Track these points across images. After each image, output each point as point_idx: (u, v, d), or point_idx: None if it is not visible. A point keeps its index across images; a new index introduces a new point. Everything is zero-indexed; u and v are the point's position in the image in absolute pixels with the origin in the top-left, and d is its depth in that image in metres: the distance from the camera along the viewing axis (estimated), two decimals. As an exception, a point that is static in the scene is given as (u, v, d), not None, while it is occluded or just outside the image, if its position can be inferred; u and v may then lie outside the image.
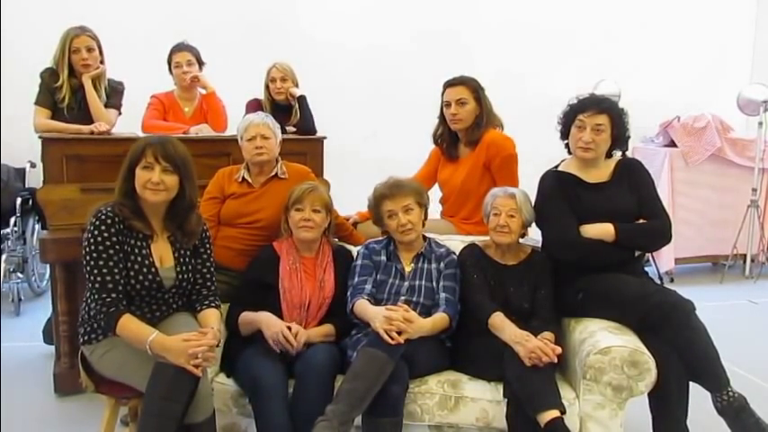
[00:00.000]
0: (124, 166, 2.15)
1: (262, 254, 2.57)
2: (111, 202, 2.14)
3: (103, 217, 2.10)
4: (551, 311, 2.45)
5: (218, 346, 2.14)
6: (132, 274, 2.13)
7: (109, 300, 2.06)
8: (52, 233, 2.93)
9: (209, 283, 2.32)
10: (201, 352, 2.00)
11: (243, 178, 2.77)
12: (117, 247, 2.10)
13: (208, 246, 2.33)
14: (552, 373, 2.23)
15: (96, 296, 2.07)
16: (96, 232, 2.08)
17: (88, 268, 2.08)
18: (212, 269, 2.33)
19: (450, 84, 3.04)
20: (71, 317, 2.96)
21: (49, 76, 3.31)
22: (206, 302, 2.29)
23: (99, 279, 2.06)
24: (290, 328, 2.31)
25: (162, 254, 2.21)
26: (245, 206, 2.73)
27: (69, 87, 3.30)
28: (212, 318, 2.25)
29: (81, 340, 2.21)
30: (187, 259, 2.26)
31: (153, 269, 2.16)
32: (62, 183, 3.04)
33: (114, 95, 3.46)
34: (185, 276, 2.24)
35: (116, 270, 2.08)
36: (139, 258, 2.15)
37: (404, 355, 2.20)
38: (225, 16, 5.01)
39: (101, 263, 2.07)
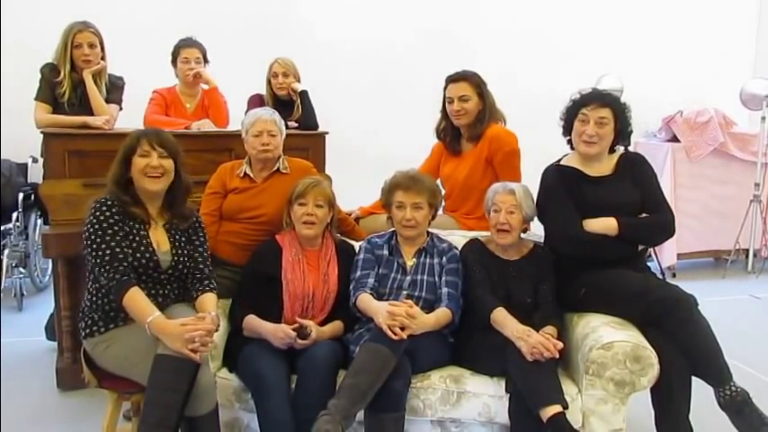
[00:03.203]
0: (118, 158, 2.25)
1: (264, 246, 2.57)
2: (106, 195, 2.22)
3: (104, 201, 2.19)
4: (554, 305, 2.45)
5: (216, 330, 2.16)
6: (131, 251, 2.17)
7: (121, 268, 2.11)
8: (54, 228, 2.94)
9: (201, 266, 2.34)
10: (199, 337, 2.02)
11: (245, 173, 2.77)
12: (120, 225, 2.17)
13: (201, 234, 2.39)
14: (554, 369, 2.23)
15: (108, 267, 2.11)
16: (98, 213, 2.15)
17: (94, 246, 2.12)
18: (206, 254, 2.37)
19: (452, 79, 3.03)
20: (73, 312, 2.96)
21: (50, 72, 3.30)
22: (201, 287, 2.31)
23: (108, 252, 2.12)
24: (303, 326, 2.31)
25: (158, 239, 2.26)
26: (246, 201, 2.73)
27: (70, 82, 3.29)
28: (209, 303, 2.27)
29: (82, 334, 2.22)
30: (182, 245, 2.31)
31: (151, 248, 2.22)
32: (64, 178, 3.03)
33: (114, 91, 3.45)
34: (181, 260, 2.28)
35: (123, 244, 2.16)
36: (138, 238, 2.21)
37: (406, 350, 2.20)
38: (227, 11, 5.01)
39: (107, 238, 2.13)
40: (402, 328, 2.18)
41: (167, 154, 2.23)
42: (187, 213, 2.35)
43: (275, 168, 2.77)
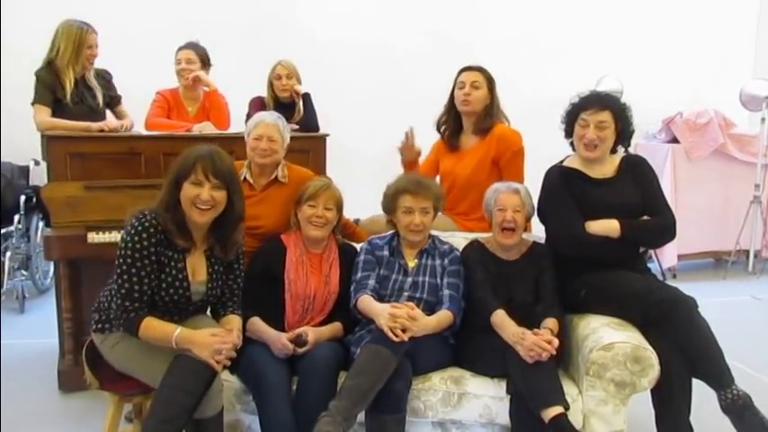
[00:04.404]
0: (170, 179, 2.11)
1: (269, 245, 2.57)
2: (155, 210, 2.10)
3: (147, 224, 2.06)
4: (554, 296, 2.46)
5: (237, 346, 2.16)
6: (164, 285, 2.12)
7: (131, 308, 2.06)
8: (56, 231, 2.94)
9: (235, 298, 2.32)
10: (226, 350, 2.04)
11: (244, 178, 2.70)
12: (153, 257, 2.07)
13: (241, 261, 2.32)
14: (555, 370, 2.23)
15: (120, 301, 2.06)
16: (137, 238, 2.05)
17: (120, 270, 2.06)
18: (241, 283, 2.33)
19: (466, 68, 3.07)
20: (75, 314, 2.98)
21: (48, 74, 3.28)
22: (228, 310, 2.30)
23: (127, 285, 2.05)
24: (299, 335, 2.32)
25: (196, 267, 2.19)
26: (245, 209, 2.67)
27: (74, 81, 3.30)
28: (234, 322, 2.26)
29: (93, 327, 2.20)
30: (220, 275, 2.25)
31: (185, 283, 2.16)
32: (66, 180, 3.04)
33: (112, 87, 3.50)
34: (214, 292, 2.24)
35: (146, 281, 2.07)
36: (174, 272, 2.13)
37: (407, 351, 2.20)
38: (228, 14, 5.01)
39: (133, 270, 2.05)
40: (403, 330, 2.19)
41: (221, 185, 2.09)
42: (232, 244, 2.21)
43: (274, 176, 2.72)
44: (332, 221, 2.52)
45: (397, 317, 2.21)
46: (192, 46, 3.66)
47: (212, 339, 2.04)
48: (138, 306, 2.06)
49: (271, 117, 2.72)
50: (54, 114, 3.27)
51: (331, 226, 2.53)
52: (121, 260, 2.06)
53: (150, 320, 2.07)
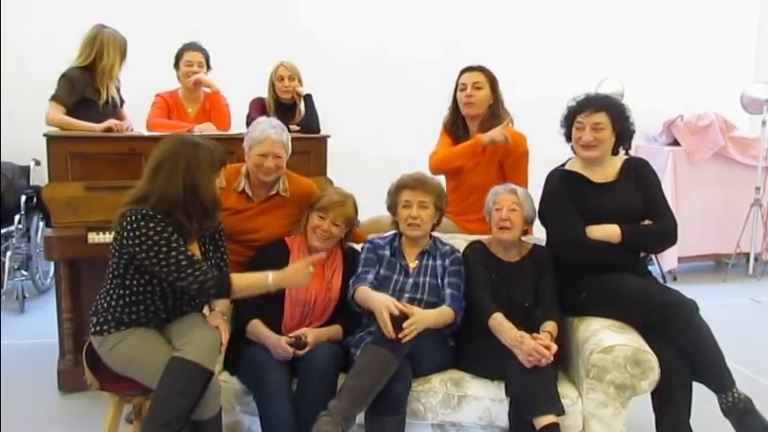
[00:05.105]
0: (194, 171, 2.12)
1: (273, 246, 2.56)
2: (146, 207, 2.09)
3: (150, 214, 2.08)
4: (554, 298, 2.45)
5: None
6: None
7: (205, 267, 2.08)
8: (57, 231, 2.94)
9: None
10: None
11: (243, 190, 2.63)
12: (176, 234, 2.10)
13: (224, 236, 2.37)
14: (552, 374, 2.22)
15: (190, 271, 2.05)
16: (151, 224, 2.06)
17: (163, 256, 2.04)
18: (227, 258, 2.37)
19: (467, 68, 3.05)
20: (75, 314, 2.98)
21: (82, 76, 3.29)
22: None
23: (181, 257, 2.06)
24: (297, 337, 2.32)
25: (194, 250, 2.23)
26: (242, 223, 2.60)
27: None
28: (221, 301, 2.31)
29: (92, 330, 2.20)
30: (211, 253, 2.30)
31: None
32: (67, 180, 3.04)
33: (119, 89, 3.51)
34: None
35: (188, 247, 2.11)
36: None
37: (407, 353, 2.20)
38: (228, 15, 5.01)
39: (173, 245, 2.06)
40: (405, 319, 2.19)
41: None
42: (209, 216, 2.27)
43: (274, 192, 2.66)
44: (336, 237, 2.52)
45: (395, 306, 2.22)
46: (199, 48, 3.67)
47: (304, 268, 2.18)
48: (207, 266, 2.10)
49: (276, 133, 2.56)
50: (80, 111, 3.27)
51: (335, 240, 2.54)
52: (156, 246, 2.05)
53: (239, 275, 2.16)
